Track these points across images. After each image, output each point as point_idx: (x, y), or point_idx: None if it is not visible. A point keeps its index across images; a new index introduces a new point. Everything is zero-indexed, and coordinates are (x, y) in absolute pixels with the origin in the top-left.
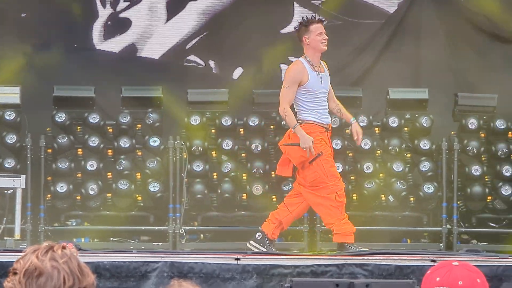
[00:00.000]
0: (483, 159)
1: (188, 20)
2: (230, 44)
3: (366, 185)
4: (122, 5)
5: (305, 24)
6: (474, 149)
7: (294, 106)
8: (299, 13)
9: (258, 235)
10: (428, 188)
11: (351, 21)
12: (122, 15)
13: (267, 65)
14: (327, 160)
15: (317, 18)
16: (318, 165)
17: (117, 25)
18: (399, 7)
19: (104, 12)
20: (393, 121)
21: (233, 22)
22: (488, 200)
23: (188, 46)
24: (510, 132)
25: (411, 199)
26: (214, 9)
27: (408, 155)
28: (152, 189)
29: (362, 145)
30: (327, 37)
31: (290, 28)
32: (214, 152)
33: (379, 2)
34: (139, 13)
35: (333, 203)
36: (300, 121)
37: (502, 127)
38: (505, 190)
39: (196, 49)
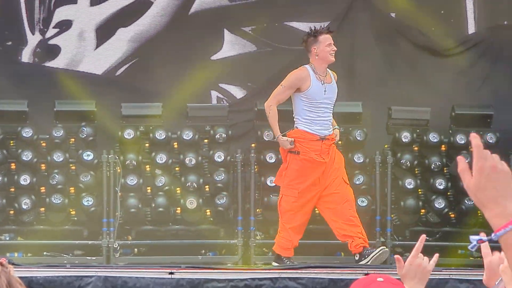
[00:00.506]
0: (416, 172)
1: (117, 46)
2: (160, 71)
3: None
4: (51, 31)
5: (314, 35)
6: (408, 162)
7: (294, 115)
8: (229, 40)
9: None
10: (362, 201)
11: (281, 47)
12: (51, 41)
13: (198, 92)
14: (297, 163)
15: (325, 29)
16: (289, 160)
17: (46, 52)
18: (334, 17)
19: (33, 39)
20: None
21: (163, 49)
22: (421, 213)
23: (118, 72)
24: (443, 145)
25: None
26: (144, 36)
27: None
28: (85, 203)
29: None
30: (335, 48)
31: (220, 55)
32: (148, 166)
33: (307, 27)
34: (68, 40)
35: (279, 207)
36: (292, 128)
37: (435, 140)
38: (438, 203)
39: (126, 76)
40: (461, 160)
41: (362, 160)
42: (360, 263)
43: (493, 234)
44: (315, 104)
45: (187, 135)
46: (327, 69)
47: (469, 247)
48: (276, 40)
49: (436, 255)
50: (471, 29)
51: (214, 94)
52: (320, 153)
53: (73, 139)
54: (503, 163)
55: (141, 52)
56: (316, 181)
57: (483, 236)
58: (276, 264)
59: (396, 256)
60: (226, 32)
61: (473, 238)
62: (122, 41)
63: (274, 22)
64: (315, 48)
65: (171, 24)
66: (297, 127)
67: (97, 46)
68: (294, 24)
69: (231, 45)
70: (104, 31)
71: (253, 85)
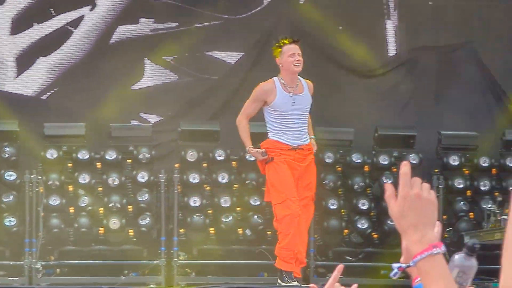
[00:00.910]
0: (339, 192)
1: (38, 75)
2: (80, 101)
3: (223, 219)
4: None
5: (278, 46)
6: (331, 183)
7: (266, 126)
8: (151, 69)
9: None
10: None
11: (203, 76)
12: None
13: (119, 123)
14: (275, 168)
15: (290, 39)
16: (267, 170)
17: None
18: (257, 40)
19: None
20: (251, 155)
21: (84, 78)
22: (344, 234)
23: (41, 97)
24: (366, 166)
25: (268, 232)
26: (64, 65)
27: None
28: (7, 224)
29: (220, 179)
30: (300, 58)
31: (141, 84)
32: (70, 186)
33: (230, 57)
34: None
35: (275, 218)
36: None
37: (359, 161)
38: (361, 224)
39: (46, 105)
40: (388, 187)
41: None
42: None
43: (411, 261)
44: (283, 115)
45: (110, 155)
46: (301, 78)
47: (390, 275)
48: (198, 70)
49: (355, 286)
50: (392, 51)
51: (135, 123)
52: (294, 161)
53: None
54: (431, 192)
55: (62, 81)
56: (295, 182)
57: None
58: (281, 283)
59: (311, 285)
60: (147, 61)
61: (394, 265)
62: (42, 70)
63: (195, 51)
64: (279, 59)
65: (92, 53)
66: (268, 138)
67: (18, 74)
68: (215, 54)
69: (152, 75)
70: (24, 60)
71: (174, 115)
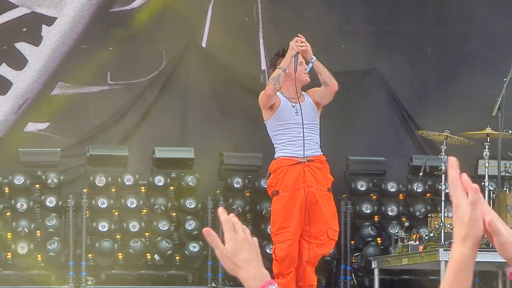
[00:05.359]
0: (248, 218)
1: None
2: None
3: (131, 244)
4: None
5: (273, 63)
6: (239, 208)
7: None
8: None
9: None
10: (194, 247)
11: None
12: None
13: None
14: (279, 201)
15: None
16: (272, 203)
17: None
18: (166, 64)
19: None
20: (159, 180)
21: None
22: None
23: None
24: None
25: (177, 257)
26: None
27: (174, 214)
28: None
29: (128, 204)
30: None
31: None
32: None
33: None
34: None
35: (274, 258)
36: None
37: (266, 186)
38: (269, 249)
39: None
40: (208, 233)
41: (194, 206)
42: None
43: None
44: (285, 125)
45: (19, 180)
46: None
47: None
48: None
49: None
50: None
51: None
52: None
53: None
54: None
55: None
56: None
57: None
58: None
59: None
60: None
61: None
62: None
63: None
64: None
65: None
66: (276, 157)
67: None
68: None
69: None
70: None
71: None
